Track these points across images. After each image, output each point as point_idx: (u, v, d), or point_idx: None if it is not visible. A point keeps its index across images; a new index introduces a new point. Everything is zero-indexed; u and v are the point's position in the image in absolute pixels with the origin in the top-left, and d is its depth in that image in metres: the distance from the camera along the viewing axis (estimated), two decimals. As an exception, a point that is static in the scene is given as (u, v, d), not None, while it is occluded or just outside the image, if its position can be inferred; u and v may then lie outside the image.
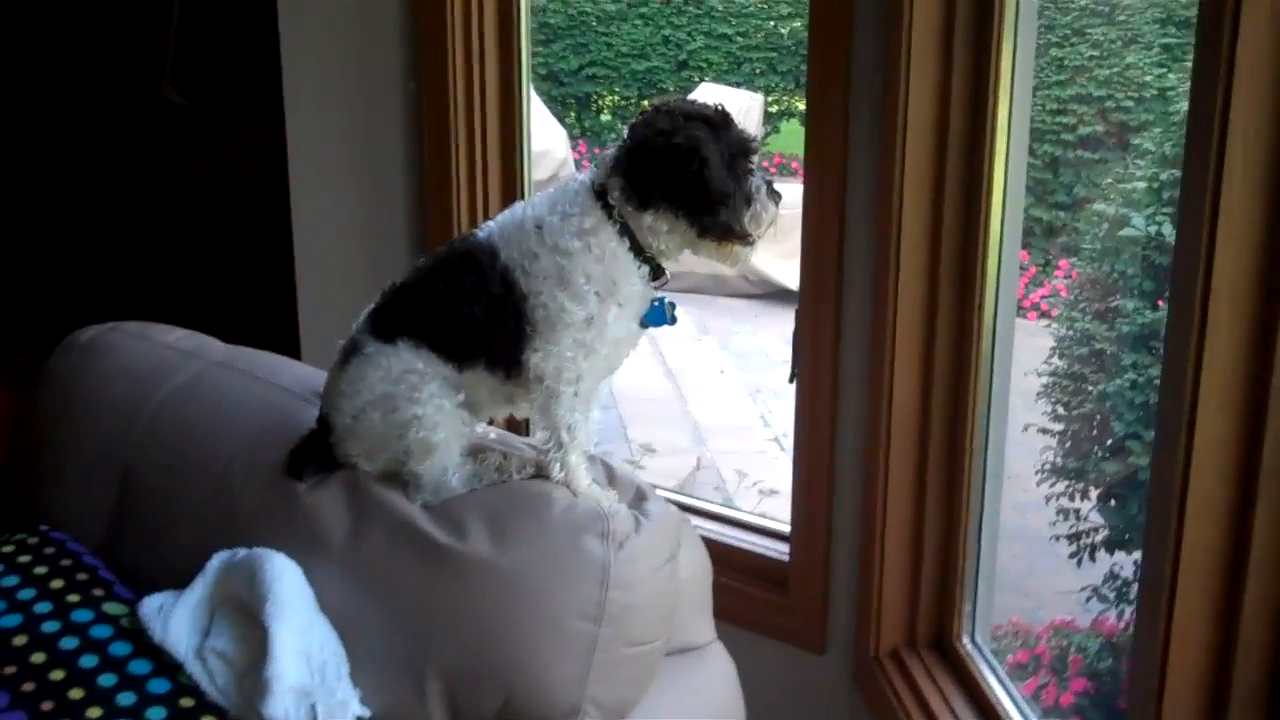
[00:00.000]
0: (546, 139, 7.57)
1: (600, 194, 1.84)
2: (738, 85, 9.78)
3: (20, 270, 5.17)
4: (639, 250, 1.85)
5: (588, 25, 10.14)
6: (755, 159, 1.86)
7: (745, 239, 1.85)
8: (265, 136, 3.82)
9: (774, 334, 7.41)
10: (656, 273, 1.89)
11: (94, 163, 5.08)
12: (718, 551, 2.33)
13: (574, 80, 10.14)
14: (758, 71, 10.13)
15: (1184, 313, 1.52)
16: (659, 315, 1.92)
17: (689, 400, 6.50)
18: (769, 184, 1.87)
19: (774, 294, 7.68)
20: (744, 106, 8.59)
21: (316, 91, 3.42)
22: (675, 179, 1.80)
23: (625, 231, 1.84)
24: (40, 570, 2.00)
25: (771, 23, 10.05)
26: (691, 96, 1.92)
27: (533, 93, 3.32)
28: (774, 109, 9.96)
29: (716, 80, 9.91)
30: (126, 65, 4.98)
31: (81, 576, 2.01)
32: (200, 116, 4.85)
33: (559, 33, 10.08)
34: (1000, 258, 2.36)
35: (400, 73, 3.26)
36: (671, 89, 9.78)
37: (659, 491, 2.05)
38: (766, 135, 9.65)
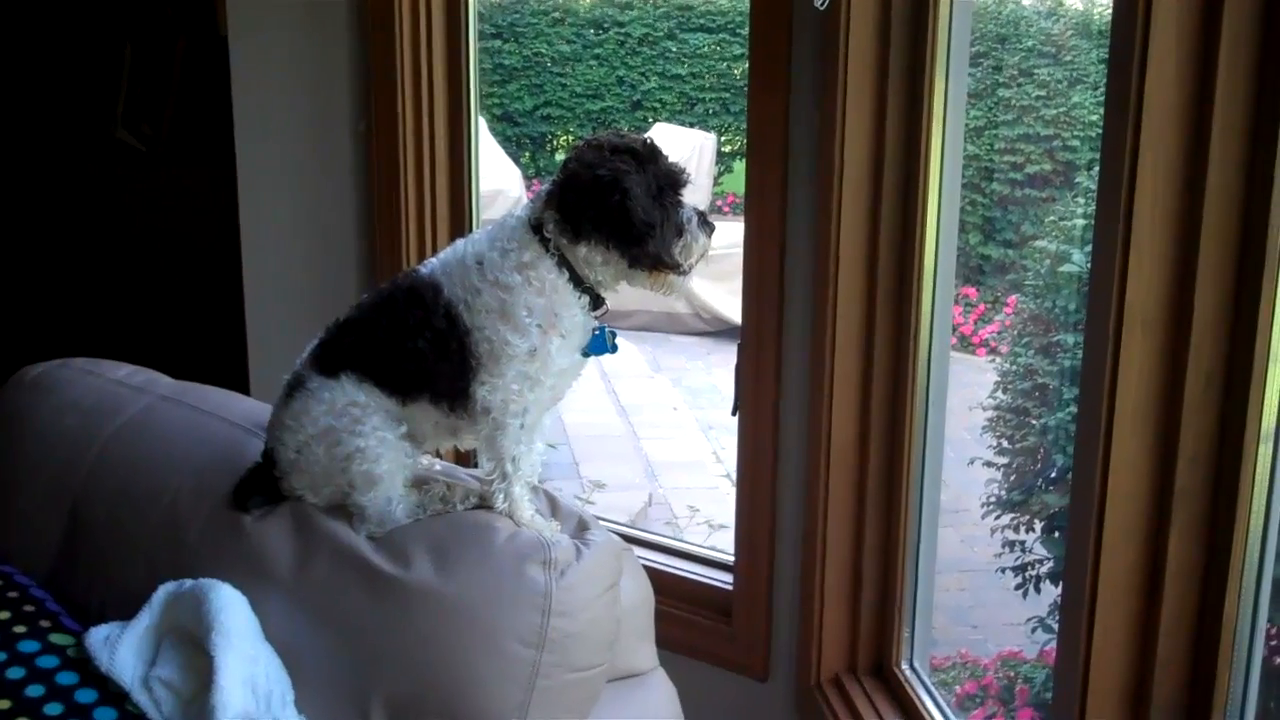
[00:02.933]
0: (501, 179, 7.59)
1: (537, 228, 1.88)
2: (691, 125, 9.84)
3: (-29, 310, 5.16)
4: (578, 281, 1.89)
5: (543, 66, 10.19)
6: (686, 191, 1.90)
7: (676, 269, 1.89)
8: (216, 175, 3.84)
9: (727, 371, 7.33)
10: (596, 302, 1.92)
11: (45, 202, 5.08)
12: (663, 582, 2.37)
13: (529, 120, 10.19)
14: (711, 112, 10.20)
15: (1098, 339, 1.57)
16: (600, 344, 1.96)
17: (641, 437, 6.52)
18: (701, 215, 1.90)
19: (727, 331, 7.70)
20: (698, 146, 8.64)
21: (267, 131, 3.45)
22: (601, 211, 1.84)
23: (563, 263, 1.87)
24: (-13, 602, 2.02)
25: (724, 64, 10.13)
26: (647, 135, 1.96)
27: (487, 132, 3.36)
28: (727, 148, 10.03)
29: (670, 120, 9.97)
30: (79, 108, 4.99)
31: (29, 608, 2.02)
32: (153, 156, 4.85)
33: (514, 73, 10.12)
34: (935, 291, 2.42)
35: (350, 112, 3.29)
36: (626, 129, 9.84)
37: (607, 525, 2.09)
38: (720, 175, 9.71)
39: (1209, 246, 1.51)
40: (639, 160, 1.86)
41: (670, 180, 1.88)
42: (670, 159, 1.90)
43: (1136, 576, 1.60)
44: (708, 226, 1.91)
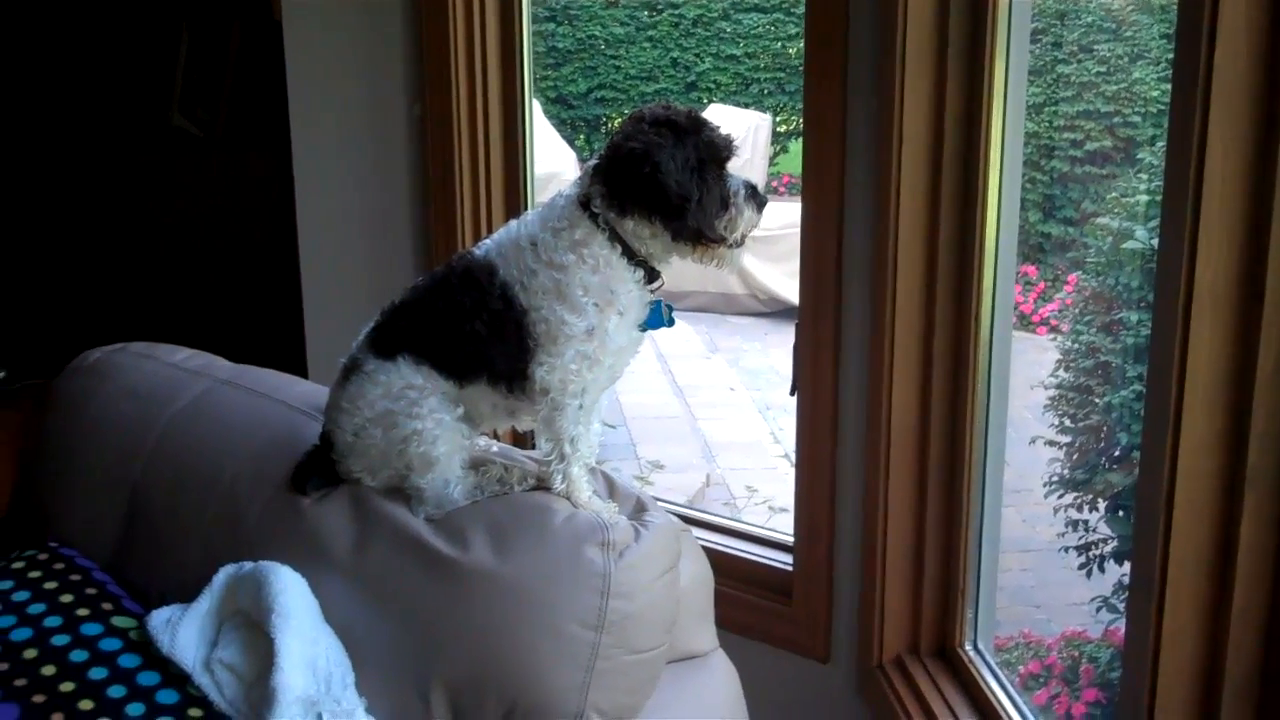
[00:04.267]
0: (556, 162, 7.58)
1: (585, 204, 1.86)
2: (746, 106, 9.79)
3: (30, 294, 5.21)
4: (631, 255, 1.87)
5: (596, 49, 10.17)
6: (735, 163, 1.87)
7: (720, 242, 1.86)
8: (272, 159, 3.86)
9: (784, 351, 7.32)
10: (651, 275, 1.91)
11: (103, 188, 5.12)
12: (722, 562, 2.35)
13: (583, 103, 10.18)
14: (766, 92, 10.15)
15: (1167, 318, 1.54)
16: (656, 318, 1.94)
17: (699, 418, 6.50)
18: (751, 188, 1.87)
19: (784, 311, 7.66)
20: (753, 126, 8.60)
21: (322, 115, 3.45)
22: (636, 184, 1.82)
23: (615, 238, 1.86)
24: (50, 585, 2.03)
25: (779, 44, 10.07)
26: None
27: (541, 115, 3.35)
28: (783, 129, 9.97)
29: (725, 101, 9.93)
30: (136, 93, 5.03)
31: (91, 591, 2.04)
32: (209, 141, 4.89)
33: (568, 56, 10.12)
34: (996, 270, 2.38)
35: (405, 95, 3.29)
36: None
37: (665, 506, 2.08)
38: (775, 155, 9.65)
39: (1281, 220, 1.47)
40: (679, 132, 1.83)
41: (712, 152, 1.85)
42: (717, 130, 1.87)
43: (1207, 557, 1.57)
44: (757, 200, 1.87)
